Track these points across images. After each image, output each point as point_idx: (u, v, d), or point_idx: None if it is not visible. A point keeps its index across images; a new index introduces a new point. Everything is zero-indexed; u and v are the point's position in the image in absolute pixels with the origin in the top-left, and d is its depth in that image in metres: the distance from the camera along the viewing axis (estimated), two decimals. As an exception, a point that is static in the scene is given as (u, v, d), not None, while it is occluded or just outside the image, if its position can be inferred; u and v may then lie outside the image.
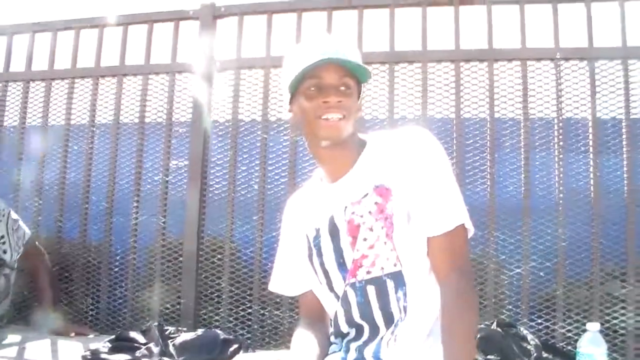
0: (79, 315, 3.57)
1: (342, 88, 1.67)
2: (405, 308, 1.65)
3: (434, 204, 1.62)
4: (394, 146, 1.71)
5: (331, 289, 1.78)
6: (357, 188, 1.72)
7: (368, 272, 1.68)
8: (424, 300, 1.66)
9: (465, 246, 1.68)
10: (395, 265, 1.65)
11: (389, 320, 1.68)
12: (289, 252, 1.94)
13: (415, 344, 1.64)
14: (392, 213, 1.64)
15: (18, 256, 3.33)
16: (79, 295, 3.60)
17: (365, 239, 1.67)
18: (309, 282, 1.88)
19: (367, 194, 1.69)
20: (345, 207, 1.73)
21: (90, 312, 3.57)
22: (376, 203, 1.67)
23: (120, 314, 3.52)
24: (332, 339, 1.83)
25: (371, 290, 1.68)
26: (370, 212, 1.67)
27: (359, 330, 1.73)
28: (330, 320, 1.86)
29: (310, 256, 1.82)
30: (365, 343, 1.70)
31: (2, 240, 3.24)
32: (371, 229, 1.66)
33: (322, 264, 1.78)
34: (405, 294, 1.65)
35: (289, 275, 1.94)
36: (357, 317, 1.73)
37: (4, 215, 3.30)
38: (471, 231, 1.68)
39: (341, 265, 1.73)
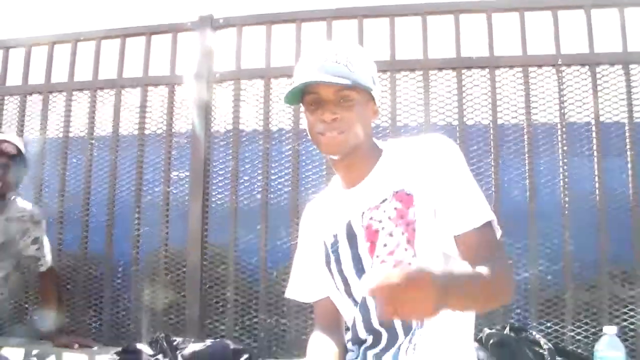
0: (81, 328, 3.52)
1: (341, 101, 1.67)
2: None
3: (459, 203, 1.61)
4: (414, 152, 1.70)
5: (349, 295, 1.76)
6: (375, 193, 1.71)
7: None
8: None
9: (498, 243, 1.64)
10: None
11: (407, 328, 1.65)
12: (307, 258, 1.93)
13: (434, 354, 1.62)
14: (414, 219, 1.63)
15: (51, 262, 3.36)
16: (82, 307, 3.56)
17: (385, 245, 1.66)
18: (326, 288, 1.86)
19: (385, 199, 1.68)
20: (363, 213, 1.72)
21: (94, 324, 3.54)
22: (396, 209, 1.66)
23: (123, 326, 3.48)
24: (349, 345, 1.81)
25: None
26: (389, 218, 1.66)
27: (377, 337, 1.71)
28: (347, 327, 1.84)
29: (328, 263, 1.81)
30: (383, 351, 1.68)
31: (38, 242, 3.28)
32: (391, 235, 1.65)
33: (340, 271, 1.77)
34: None
35: (307, 282, 1.92)
36: (376, 323, 1.71)
37: (40, 221, 3.32)
38: (499, 232, 1.66)
39: (360, 271, 1.71)
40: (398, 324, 1.66)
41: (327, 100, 1.67)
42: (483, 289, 1.39)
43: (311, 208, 1.98)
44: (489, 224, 1.62)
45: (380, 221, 1.68)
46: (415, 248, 1.62)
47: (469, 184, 1.65)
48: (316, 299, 1.92)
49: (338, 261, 1.78)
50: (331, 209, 1.84)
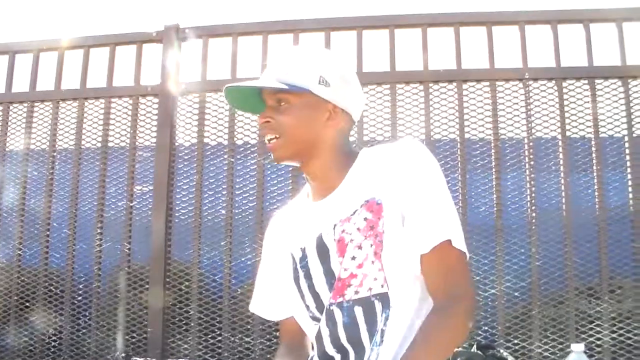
0: (40, 347, 3.43)
1: (283, 104, 1.64)
2: (383, 332, 1.59)
3: (423, 218, 1.53)
4: (384, 158, 1.63)
5: (320, 310, 1.70)
6: (346, 204, 1.63)
7: (356, 292, 1.60)
8: (409, 325, 1.59)
9: (462, 266, 1.58)
10: (382, 286, 1.57)
11: (375, 343, 1.61)
12: (271, 273, 1.86)
13: None
14: (382, 231, 1.56)
15: None
16: (41, 325, 3.47)
17: (353, 258, 1.59)
18: (292, 306, 1.80)
19: (356, 210, 1.62)
20: (335, 226, 1.65)
21: (53, 343, 3.44)
22: (365, 219, 1.58)
23: (84, 344, 3.39)
24: None
25: (359, 311, 1.60)
26: (358, 229, 1.59)
27: (344, 354, 1.66)
28: (313, 344, 1.78)
29: (296, 278, 1.73)
30: None
31: None
32: (360, 247, 1.58)
33: (310, 286, 1.68)
34: (387, 318, 1.58)
35: (272, 299, 1.86)
36: (343, 339, 1.65)
37: None
38: (466, 254, 1.59)
39: (333, 286, 1.64)
40: (366, 339, 1.61)
41: (267, 105, 1.66)
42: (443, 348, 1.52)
43: (276, 220, 1.90)
44: (448, 243, 1.54)
45: (350, 233, 1.61)
46: (383, 261, 1.56)
47: (436, 195, 1.58)
48: (282, 318, 1.86)
49: (308, 276, 1.70)
50: (299, 222, 1.77)
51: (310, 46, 1.83)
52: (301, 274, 1.72)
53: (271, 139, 1.64)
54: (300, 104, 1.64)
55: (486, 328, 2.97)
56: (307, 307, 1.72)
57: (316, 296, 1.69)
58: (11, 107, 3.75)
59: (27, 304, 3.51)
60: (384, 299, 1.57)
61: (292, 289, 1.75)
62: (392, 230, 1.56)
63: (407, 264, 1.56)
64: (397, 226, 1.56)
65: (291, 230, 1.79)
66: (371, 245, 1.57)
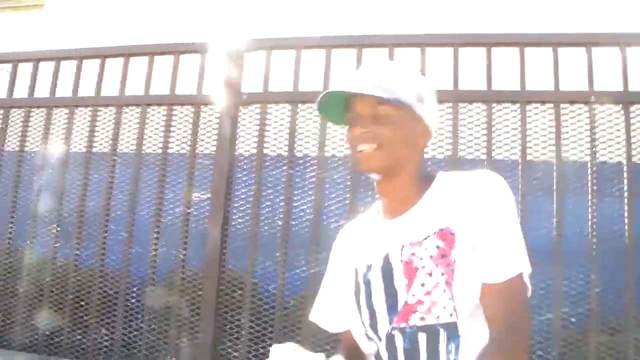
0: (93, 346, 3.48)
1: (377, 117, 1.62)
2: None
3: (497, 249, 1.53)
4: (463, 188, 1.63)
5: (375, 330, 1.69)
6: (419, 228, 1.63)
7: (422, 319, 1.59)
8: (478, 354, 1.57)
9: (523, 299, 1.58)
10: (451, 315, 1.56)
11: None
12: (335, 284, 1.86)
13: None
14: (454, 260, 1.56)
15: None
16: (94, 324, 3.52)
17: (423, 284, 1.59)
18: (350, 320, 1.80)
19: (428, 235, 1.61)
20: (403, 247, 1.64)
21: (105, 343, 3.49)
22: (438, 247, 1.58)
23: (135, 346, 3.43)
24: None
25: (422, 338, 1.59)
26: (431, 256, 1.59)
27: None
28: None
29: (357, 293, 1.73)
30: None
31: None
32: (430, 274, 1.58)
33: (369, 304, 1.69)
34: (457, 347, 1.57)
35: (333, 310, 1.86)
36: None
37: None
38: (529, 288, 1.59)
39: (392, 307, 1.63)
40: None
41: (362, 115, 1.64)
42: None
43: (345, 233, 1.90)
44: (520, 278, 1.55)
45: (421, 258, 1.60)
46: (453, 291, 1.55)
47: (510, 229, 1.57)
48: (340, 330, 1.87)
49: (368, 293, 1.70)
50: (368, 238, 1.77)
51: (402, 62, 1.80)
52: (362, 289, 1.72)
53: (368, 149, 1.63)
54: (400, 118, 1.63)
55: (540, 353, 2.90)
56: (362, 322, 1.72)
57: (372, 314, 1.68)
58: (76, 111, 3.83)
59: (82, 302, 3.56)
60: (451, 328, 1.57)
61: (352, 303, 1.75)
62: (463, 260, 1.56)
63: (474, 294, 1.55)
64: (469, 257, 1.56)
65: (359, 245, 1.79)
66: (442, 274, 1.57)
